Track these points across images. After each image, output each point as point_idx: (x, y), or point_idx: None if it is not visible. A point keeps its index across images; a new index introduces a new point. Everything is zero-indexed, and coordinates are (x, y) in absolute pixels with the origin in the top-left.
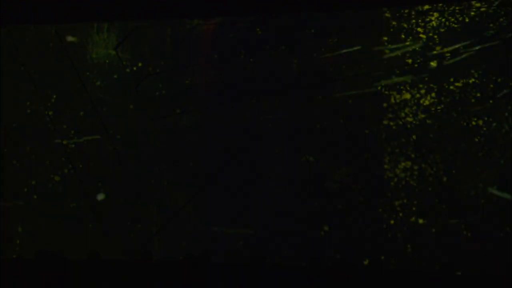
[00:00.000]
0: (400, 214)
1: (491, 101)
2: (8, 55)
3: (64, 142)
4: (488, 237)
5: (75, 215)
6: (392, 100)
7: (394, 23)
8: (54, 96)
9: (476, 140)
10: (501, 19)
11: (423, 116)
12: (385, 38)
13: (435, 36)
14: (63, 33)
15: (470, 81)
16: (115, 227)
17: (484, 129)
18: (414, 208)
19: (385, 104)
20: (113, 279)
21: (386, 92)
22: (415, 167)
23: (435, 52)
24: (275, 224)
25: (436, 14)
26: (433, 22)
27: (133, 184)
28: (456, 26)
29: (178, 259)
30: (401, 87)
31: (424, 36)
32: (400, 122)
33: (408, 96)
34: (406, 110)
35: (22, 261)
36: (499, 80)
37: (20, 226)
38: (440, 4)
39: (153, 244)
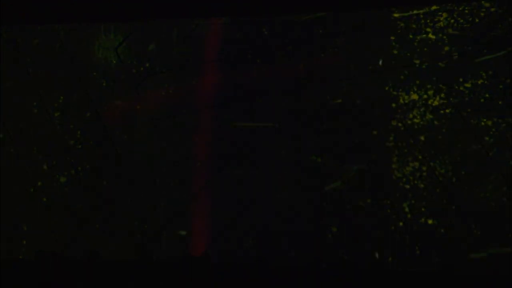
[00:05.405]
0: (408, 216)
1: (500, 102)
2: (12, 55)
3: (71, 142)
4: (494, 238)
5: (78, 216)
6: (401, 101)
7: (402, 24)
8: (62, 97)
9: (486, 139)
10: (511, 19)
11: (431, 116)
12: (393, 38)
13: (444, 37)
14: (68, 33)
15: (479, 82)
16: (117, 227)
17: (493, 129)
18: (423, 209)
19: (393, 105)
20: (113, 279)
21: (395, 93)
22: (424, 168)
23: (443, 52)
24: (281, 225)
25: (445, 15)
26: (441, 23)
27: (136, 184)
28: (465, 26)
29: (178, 259)
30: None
31: (433, 37)
32: (409, 122)
33: (416, 97)
34: (415, 111)
35: (22, 261)
36: (508, 80)
37: (25, 227)
38: (449, 4)
39: (153, 244)
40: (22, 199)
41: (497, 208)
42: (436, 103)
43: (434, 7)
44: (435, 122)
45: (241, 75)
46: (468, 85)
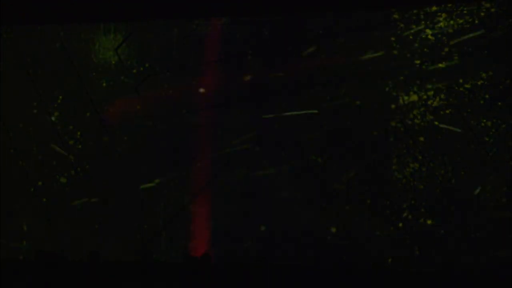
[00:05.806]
0: (409, 216)
1: (500, 103)
2: (12, 55)
3: (70, 142)
4: (493, 238)
5: (78, 216)
6: (401, 102)
7: (402, 24)
8: (60, 97)
9: (486, 139)
10: (511, 20)
11: (431, 117)
12: (393, 38)
13: (444, 37)
14: (68, 33)
15: (479, 83)
16: (117, 227)
17: (493, 130)
18: (422, 210)
19: (393, 106)
20: (114, 279)
21: (395, 93)
22: (423, 169)
23: (443, 53)
24: (281, 225)
25: (444, 15)
26: (441, 23)
27: (136, 184)
28: (465, 27)
29: (178, 259)
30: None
31: (432, 38)
32: (410, 122)
33: (415, 97)
34: (415, 111)
35: (22, 261)
36: (507, 81)
37: (25, 227)
38: (450, 5)
39: (154, 244)
40: (22, 199)
41: (497, 208)
42: (436, 104)
43: (434, 8)
44: (435, 123)
45: (241, 75)
46: (468, 86)
